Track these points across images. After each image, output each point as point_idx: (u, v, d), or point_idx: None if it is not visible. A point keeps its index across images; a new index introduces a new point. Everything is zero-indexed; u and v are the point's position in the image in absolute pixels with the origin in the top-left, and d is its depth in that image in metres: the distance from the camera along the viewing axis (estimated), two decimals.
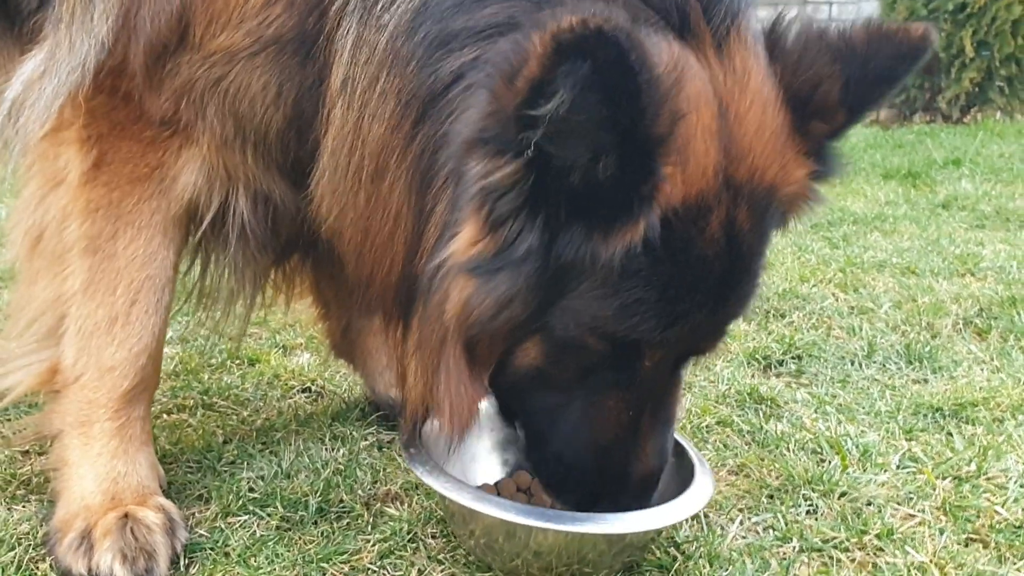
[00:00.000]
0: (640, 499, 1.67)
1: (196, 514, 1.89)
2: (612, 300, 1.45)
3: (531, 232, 1.40)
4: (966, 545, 1.86)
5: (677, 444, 1.90)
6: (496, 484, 1.89)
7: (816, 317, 3.24)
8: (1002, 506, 1.98)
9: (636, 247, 1.39)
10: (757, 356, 2.86)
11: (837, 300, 3.43)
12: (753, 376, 2.75)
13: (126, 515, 1.71)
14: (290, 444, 2.18)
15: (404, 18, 1.49)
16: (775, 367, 2.83)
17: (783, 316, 3.27)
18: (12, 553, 1.71)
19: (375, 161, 1.55)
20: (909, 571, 1.75)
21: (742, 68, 1.49)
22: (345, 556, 1.76)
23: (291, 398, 2.49)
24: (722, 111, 1.44)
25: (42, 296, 1.78)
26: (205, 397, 2.44)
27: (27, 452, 2.08)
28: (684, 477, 1.80)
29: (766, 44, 1.56)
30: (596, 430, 1.63)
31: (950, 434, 2.34)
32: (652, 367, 1.58)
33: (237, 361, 2.70)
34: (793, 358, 2.87)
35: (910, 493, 2.05)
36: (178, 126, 1.68)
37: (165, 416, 2.34)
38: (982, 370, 2.79)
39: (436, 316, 1.47)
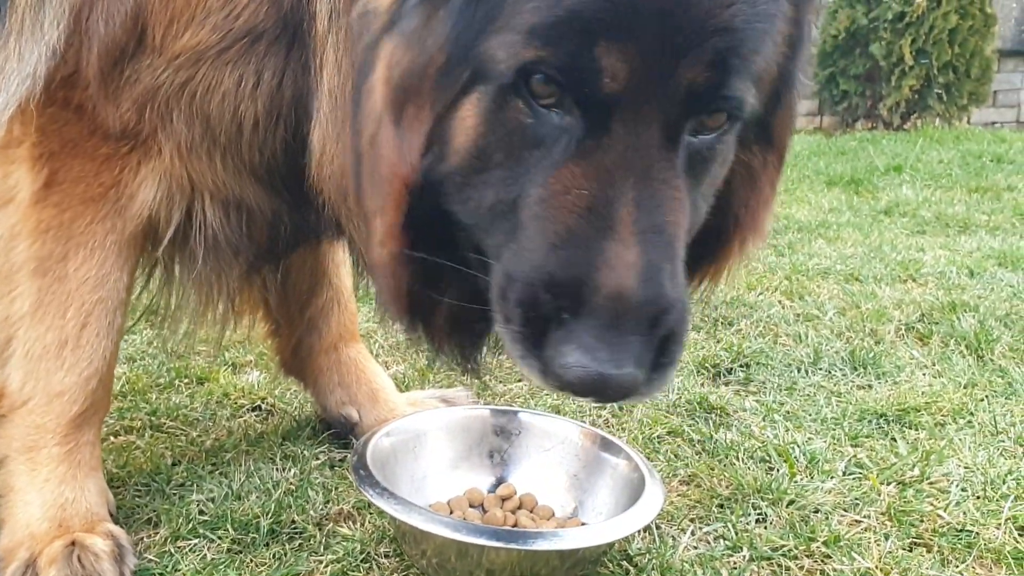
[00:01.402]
0: (610, 330, 1.26)
1: (145, 539, 1.87)
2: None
3: None
4: (910, 550, 1.91)
5: (627, 456, 1.92)
6: (449, 502, 1.89)
7: (763, 325, 3.29)
8: (944, 510, 2.03)
9: None
10: (707, 365, 2.90)
11: (783, 308, 3.49)
12: (703, 385, 2.78)
13: (73, 542, 1.68)
14: (240, 465, 2.16)
15: None
16: (724, 375, 2.86)
17: (731, 324, 3.31)
18: None
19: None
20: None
21: None
22: None
23: (241, 417, 2.47)
24: None
25: None
26: (153, 418, 2.41)
27: None
28: (635, 489, 1.82)
29: None
30: (550, 223, 1.30)
31: (894, 439, 2.39)
32: (625, 127, 1.28)
33: (186, 380, 2.67)
34: (741, 366, 2.91)
35: (856, 499, 2.09)
36: (137, 139, 1.64)
37: (112, 438, 2.30)
38: (924, 375, 2.86)
39: (367, 97, 1.39)
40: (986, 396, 2.68)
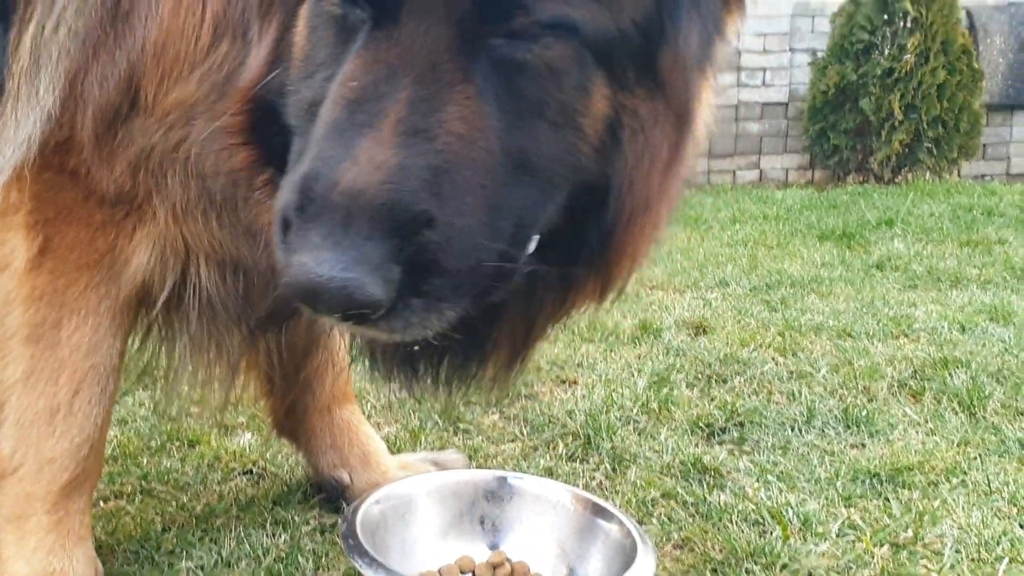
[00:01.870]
0: (341, 230, 1.14)
1: None
2: None
3: None
4: None
5: (620, 521, 1.91)
6: (440, 570, 1.88)
7: (757, 382, 3.29)
8: (939, 573, 2.02)
9: None
10: (700, 424, 2.89)
11: (777, 364, 3.49)
12: (697, 445, 2.77)
13: None
14: (231, 531, 2.15)
15: None
16: (718, 435, 2.86)
17: (725, 382, 3.31)
18: None
19: None
20: None
21: None
22: None
23: (232, 481, 2.45)
24: None
25: None
26: (144, 482, 2.40)
27: None
28: (627, 555, 1.81)
29: None
30: (322, 119, 1.24)
31: (887, 500, 2.38)
32: (414, 20, 1.22)
33: (177, 443, 2.66)
34: (735, 425, 2.90)
35: (850, 562, 2.07)
36: (132, 204, 1.64)
37: (103, 504, 2.29)
38: (917, 432, 2.85)
39: None
40: (979, 455, 2.68)
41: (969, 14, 9.35)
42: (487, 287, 1.26)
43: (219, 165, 1.56)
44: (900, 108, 8.56)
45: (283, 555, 2.04)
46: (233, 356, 1.94)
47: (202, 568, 1.98)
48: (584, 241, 1.39)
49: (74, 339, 1.70)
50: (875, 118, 8.67)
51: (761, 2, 9.39)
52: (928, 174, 8.84)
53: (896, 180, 8.82)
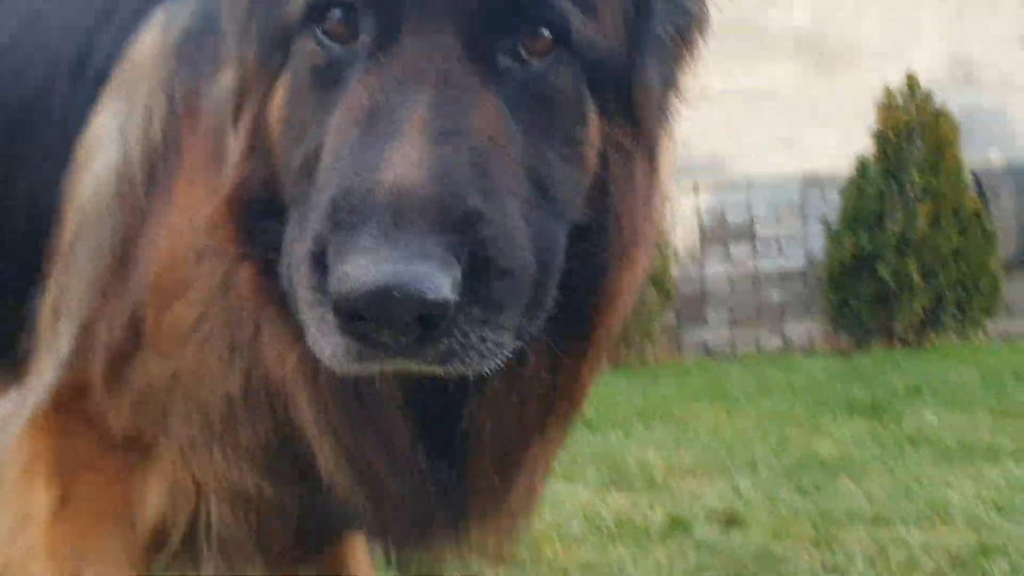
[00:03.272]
0: (394, 227, 1.08)
1: None
2: None
3: None
4: None
5: None
6: None
7: None
8: None
9: None
10: None
11: (812, 558, 3.42)
12: None
13: None
14: None
15: None
16: None
17: None
18: None
19: None
20: None
21: None
22: None
23: None
24: None
25: None
26: None
27: None
28: None
29: None
30: (333, 144, 1.21)
31: None
32: (416, 35, 1.22)
33: None
34: None
35: None
36: (141, 446, 1.70)
37: None
38: None
39: None
40: None
41: (976, 178, 9.56)
42: (535, 304, 1.20)
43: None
44: (919, 274, 8.65)
45: None
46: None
47: None
48: (572, 289, 1.34)
49: None
50: (895, 284, 8.75)
51: (771, 173, 9.69)
52: (953, 335, 8.84)
53: (922, 343, 8.82)
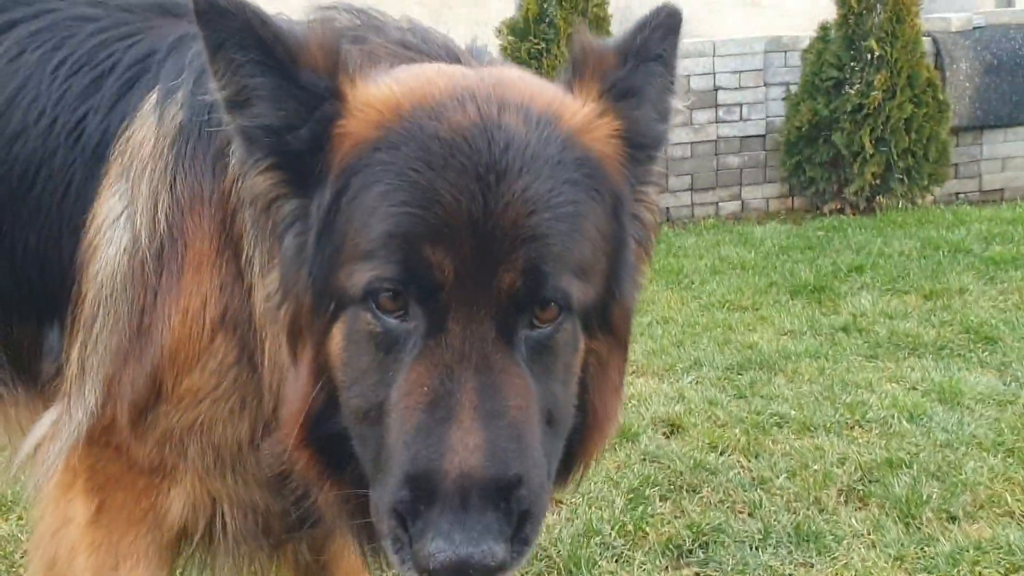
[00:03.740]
0: (462, 511, 1.43)
1: None
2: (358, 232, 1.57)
3: (294, 218, 1.68)
4: None
5: None
6: None
7: (723, 491, 3.71)
8: None
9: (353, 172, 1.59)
10: (671, 546, 3.32)
11: (741, 470, 3.91)
12: (666, 569, 3.19)
13: None
14: None
15: None
16: (686, 556, 3.29)
17: (695, 491, 3.73)
18: None
19: None
20: None
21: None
22: None
23: None
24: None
25: None
26: None
27: None
28: None
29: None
30: (402, 425, 1.52)
31: None
32: (460, 325, 1.51)
33: None
34: (701, 546, 3.33)
35: None
36: (165, 471, 2.05)
37: None
38: (860, 546, 3.28)
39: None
40: (909, 572, 3.10)
41: (935, 41, 9.71)
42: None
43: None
44: (871, 142, 8.94)
45: None
46: (264, 565, 2.35)
47: None
48: (569, 459, 1.77)
49: None
50: (847, 152, 9.05)
51: (735, 40, 9.77)
52: (901, 202, 9.23)
53: (872, 209, 9.20)
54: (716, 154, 9.81)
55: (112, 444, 2.05)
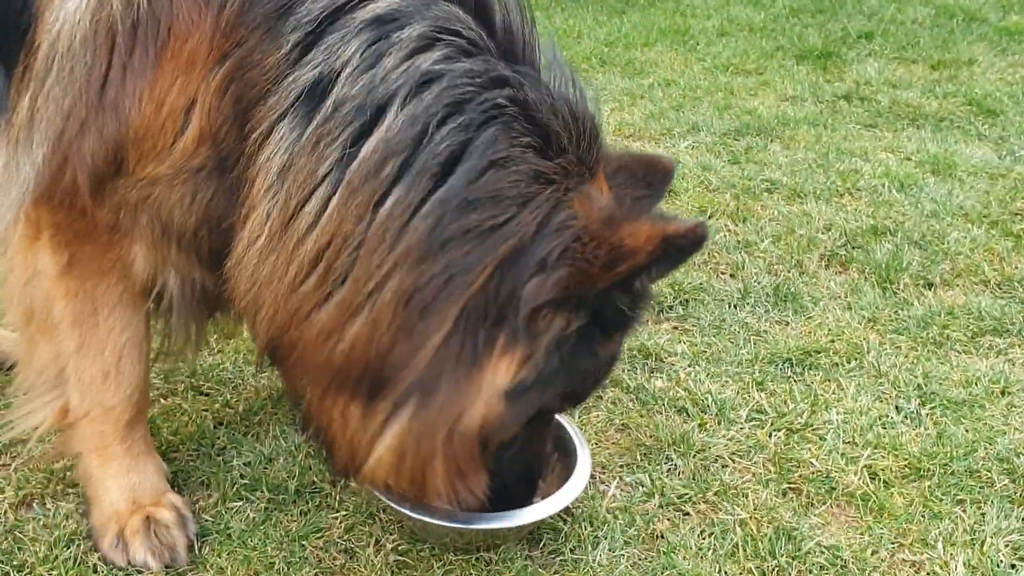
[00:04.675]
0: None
1: (201, 501, 2.47)
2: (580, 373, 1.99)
3: (562, 351, 1.90)
4: (784, 495, 2.50)
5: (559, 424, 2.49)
6: None
7: (708, 253, 3.79)
8: (817, 458, 2.61)
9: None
10: (652, 303, 3.42)
11: (728, 233, 3.97)
12: (647, 323, 3.31)
13: (147, 517, 2.27)
14: (268, 430, 2.73)
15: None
16: (666, 312, 3.40)
17: None
18: (69, 550, 2.29)
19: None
20: (734, 525, 2.39)
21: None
22: (320, 533, 2.35)
23: (264, 374, 3.01)
24: None
25: (43, 356, 2.26)
26: (193, 380, 2.96)
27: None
28: (569, 461, 2.40)
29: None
30: (533, 457, 2.18)
31: (794, 383, 2.95)
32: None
33: (215, 337, 3.20)
34: (681, 303, 3.44)
35: (750, 447, 2.67)
36: (124, 229, 2.10)
37: (163, 400, 2.87)
38: (835, 308, 3.39)
39: (445, 421, 1.92)
40: (882, 332, 3.23)
41: None
42: None
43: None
44: None
45: (311, 452, 2.63)
46: (201, 330, 2.45)
47: (249, 464, 2.58)
48: None
49: (109, 322, 2.21)
50: None
51: None
52: None
53: None
54: None
55: (76, 206, 2.07)
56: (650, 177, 2.13)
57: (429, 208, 1.78)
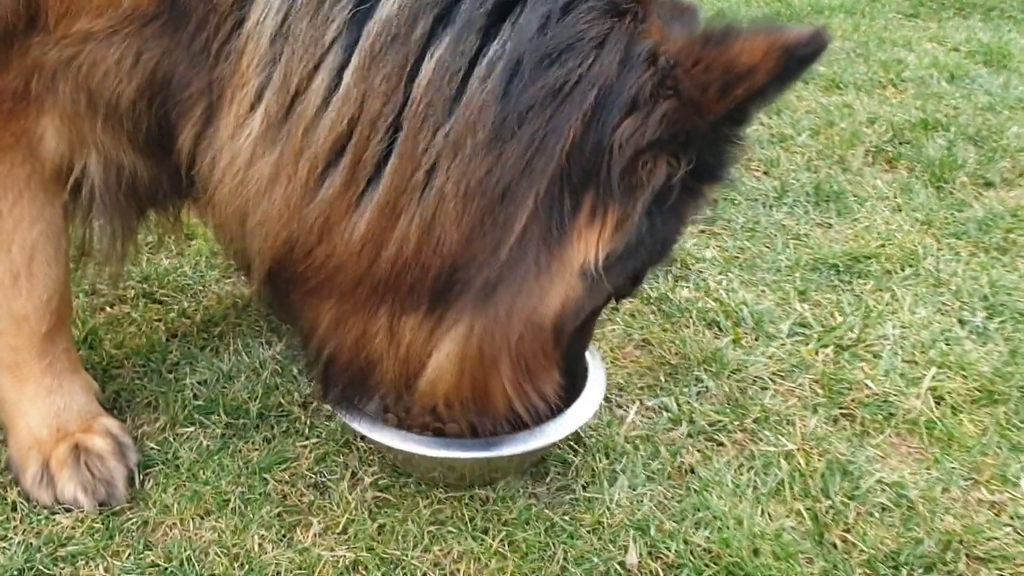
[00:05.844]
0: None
1: (145, 426, 2.08)
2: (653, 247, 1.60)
3: (652, 220, 1.52)
4: (835, 422, 2.12)
5: None
6: None
7: None
8: (872, 380, 2.22)
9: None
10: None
11: (761, 126, 3.53)
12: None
13: (76, 445, 1.89)
14: (229, 343, 2.34)
15: None
16: None
17: None
18: None
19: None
20: (778, 458, 2.00)
21: None
22: (285, 464, 1.97)
23: (228, 280, 2.62)
24: None
25: None
26: (145, 285, 2.56)
27: None
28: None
29: None
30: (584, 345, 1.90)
31: (841, 293, 2.55)
32: None
33: (173, 238, 2.79)
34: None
35: (793, 366, 2.28)
36: (30, 97, 1.69)
37: (108, 308, 2.47)
38: (884, 209, 2.97)
39: (520, 315, 1.55)
40: (938, 237, 2.81)
41: None
42: None
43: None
44: None
45: (279, 369, 2.24)
46: (128, 234, 2.00)
47: (205, 384, 2.19)
48: None
49: (15, 213, 1.79)
50: None
51: None
52: None
53: None
54: None
55: None
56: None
57: (487, 70, 1.38)
